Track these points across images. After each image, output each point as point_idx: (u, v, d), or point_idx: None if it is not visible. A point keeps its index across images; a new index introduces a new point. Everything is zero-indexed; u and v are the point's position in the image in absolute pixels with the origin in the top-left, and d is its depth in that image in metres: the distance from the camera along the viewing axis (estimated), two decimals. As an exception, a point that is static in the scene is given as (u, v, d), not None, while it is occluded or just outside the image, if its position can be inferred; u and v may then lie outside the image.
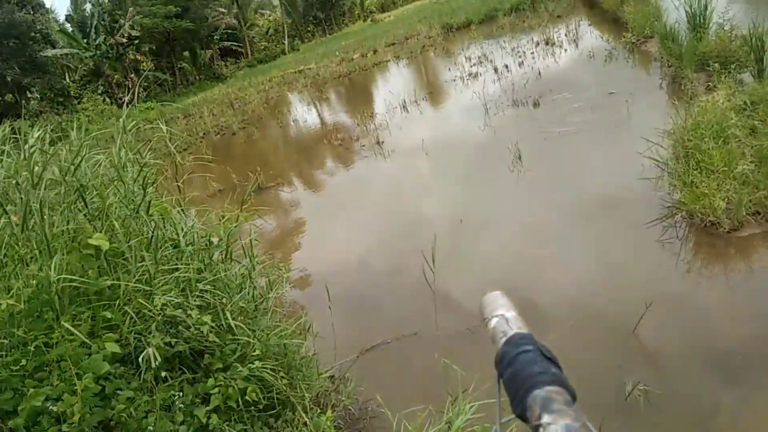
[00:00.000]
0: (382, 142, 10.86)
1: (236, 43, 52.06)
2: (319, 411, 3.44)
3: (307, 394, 3.37)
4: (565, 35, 15.11)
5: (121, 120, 4.47)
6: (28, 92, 38.33)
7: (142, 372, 3.09)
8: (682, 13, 9.35)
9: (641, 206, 5.34)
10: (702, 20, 8.93)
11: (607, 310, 4.24)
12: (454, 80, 14.47)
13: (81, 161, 3.89)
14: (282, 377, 3.29)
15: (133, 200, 4.20)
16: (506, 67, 13.72)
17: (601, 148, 7.22)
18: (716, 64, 7.24)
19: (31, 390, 2.72)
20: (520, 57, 14.38)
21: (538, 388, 0.70)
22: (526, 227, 6.01)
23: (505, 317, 0.89)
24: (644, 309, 3.78)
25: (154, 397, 3.02)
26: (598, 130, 7.74)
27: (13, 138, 4.49)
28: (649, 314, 3.78)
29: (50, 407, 2.69)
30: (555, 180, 6.84)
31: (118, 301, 3.43)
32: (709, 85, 7.36)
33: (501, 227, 6.22)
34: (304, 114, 18.14)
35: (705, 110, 5.46)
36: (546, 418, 0.65)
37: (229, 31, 50.17)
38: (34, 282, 3.27)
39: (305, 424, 3.17)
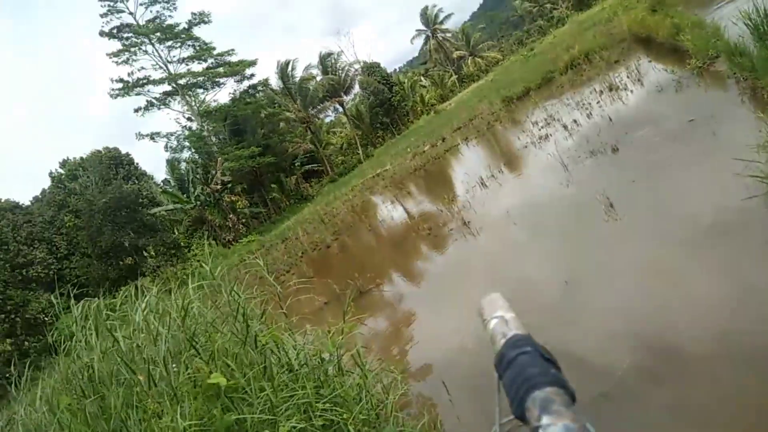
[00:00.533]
0: (469, 222, 10.90)
1: (316, 164, 55.36)
2: None
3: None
4: (627, 77, 14.89)
5: (209, 267, 4.83)
6: (144, 252, 42.11)
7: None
8: (742, 26, 9.02)
9: (757, 225, 4.95)
10: (765, 28, 8.56)
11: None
12: (526, 147, 14.50)
13: (186, 312, 4.22)
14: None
15: (240, 335, 4.44)
16: (575, 122, 13.61)
17: (694, 177, 6.85)
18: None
19: None
20: (586, 109, 14.24)
21: (537, 390, 0.70)
22: (642, 273, 5.67)
23: (504, 319, 0.89)
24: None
25: None
26: (686, 160, 7.39)
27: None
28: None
29: None
30: (656, 219, 6.51)
31: (246, 434, 3.56)
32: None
33: (612, 280, 5.92)
34: (389, 213, 18.67)
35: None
36: (545, 420, 0.65)
37: (308, 155, 53.75)
38: (169, 432, 3.48)
39: None
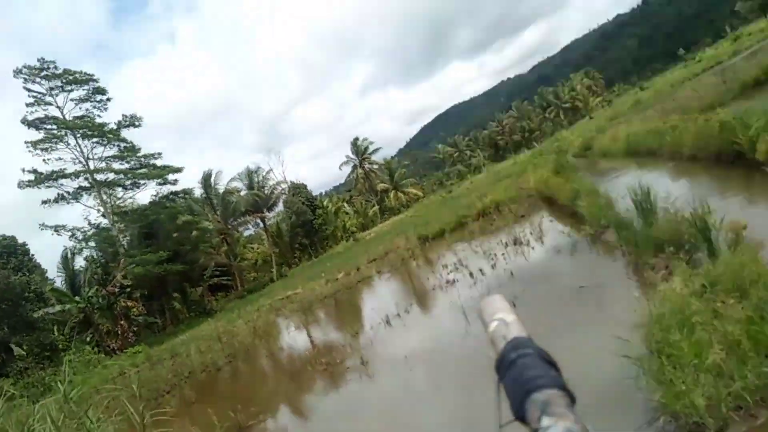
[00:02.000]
0: (367, 362, 10.66)
1: (226, 278, 53.76)
2: None
3: None
4: (531, 233, 15.88)
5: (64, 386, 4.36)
6: (13, 350, 38.18)
7: None
8: (629, 202, 9.93)
9: (628, 410, 5.08)
10: (648, 206, 9.39)
11: None
12: (434, 289, 14.77)
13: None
14: None
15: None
16: (481, 270, 14.12)
17: (579, 348, 7.09)
18: (671, 248, 7.46)
19: None
20: (492, 259, 14.88)
21: (537, 392, 0.70)
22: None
23: (504, 321, 0.93)
24: None
25: None
26: (574, 328, 7.71)
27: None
28: None
29: None
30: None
31: None
32: (669, 269, 7.53)
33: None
34: (291, 340, 18.07)
35: (666, 299, 5.50)
36: (545, 421, 0.66)
37: (221, 268, 52.26)
38: None
39: None
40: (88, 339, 38.48)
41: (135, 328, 41.33)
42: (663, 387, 4.61)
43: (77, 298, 40.00)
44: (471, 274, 14.23)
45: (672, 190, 10.11)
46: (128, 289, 41.36)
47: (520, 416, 0.72)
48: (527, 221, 18.08)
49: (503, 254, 15.06)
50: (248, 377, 15.68)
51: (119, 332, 38.76)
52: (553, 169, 22.82)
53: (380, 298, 17.77)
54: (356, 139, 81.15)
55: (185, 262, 45.60)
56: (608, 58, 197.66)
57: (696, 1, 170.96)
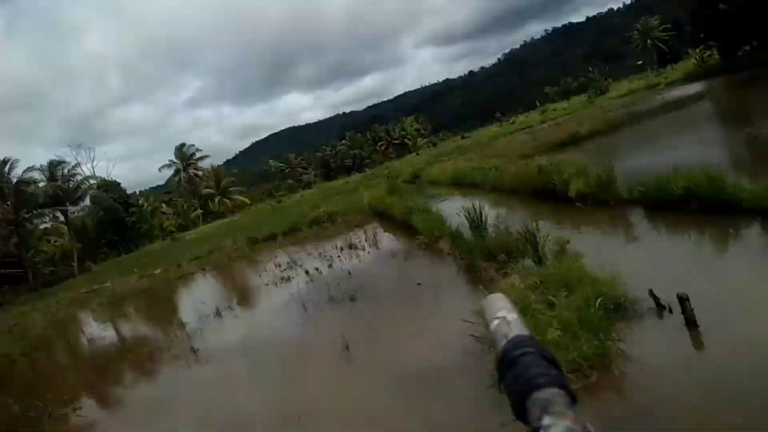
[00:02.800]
0: (197, 350, 10.20)
1: (17, 269, 47.16)
2: None
3: None
4: (365, 240, 16.50)
5: None
6: None
7: None
8: (462, 218, 10.99)
9: (470, 377, 5.66)
10: (480, 222, 10.62)
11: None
12: (267, 285, 14.61)
13: None
14: None
15: None
16: (317, 269, 14.31)
17: (423, 331, 7.65)
18: (503, 255, 8.49)
19: None
20: (328, 260, 15.16)
21: (538, 390, 0.71)
22: (366, 411, 5.90)
23: (506, 320, 0.89)
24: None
25: None
26: (416, 316, 8.26)
27: None
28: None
29: None
30: (386, 363, 6.98)
31: None
32: (500, 272, 8.50)
33: (339, 418, 6.00)
34: (100, 332, 16.41)
35: (506, 291, 6.25)
36: (546, 420, 0.66)
37: (9, 259, 45.81)
38: None
39: None
40: None
41: None
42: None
43: None
44: (307, 272, 14.35)
45: (494, 214, 11.37)
46: None
47: (521, 415, 0.73)
48: (361, 230, 18.72)
49: (339, 256, 15.44)
50: (53, 369, 13.95)
51: None
52: (386, 189, 24.09)
53: (206, 293, 16.97)
54: (182, 144, 76.43)
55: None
56: (436, 110, 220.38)
57: (513, 81, 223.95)
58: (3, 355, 16.00)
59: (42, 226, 59.77)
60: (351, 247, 16.23)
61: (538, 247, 8.06)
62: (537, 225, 8.33)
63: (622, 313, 6.03)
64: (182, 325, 12.82)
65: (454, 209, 12.09)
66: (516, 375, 0.77)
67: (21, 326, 21.26)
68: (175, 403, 8.12)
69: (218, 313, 12.80)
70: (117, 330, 16.22)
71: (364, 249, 15.55)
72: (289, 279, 14.48)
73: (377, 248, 15.26)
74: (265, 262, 19.01)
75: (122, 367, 11.44)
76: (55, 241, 59.44)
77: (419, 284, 9.88)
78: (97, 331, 16.82)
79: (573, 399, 0.70)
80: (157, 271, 26.69)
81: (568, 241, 8.00)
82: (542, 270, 7.12)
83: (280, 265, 16.90)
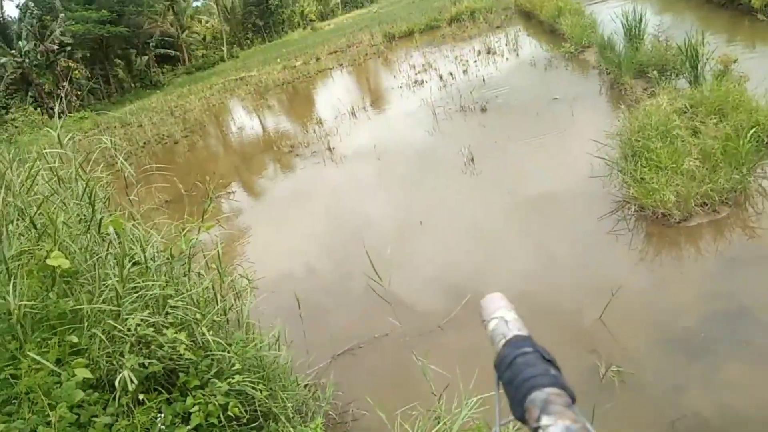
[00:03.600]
0: (333, 148, 10.86)
1: (173, 50, 50.73)
2: (301, 420, 3.43)
3: (289, 404, 3.34)
4: (506, 44, 15.54)
5: (55, 131, 4.26)
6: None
7: (117, 396, 2.99)
8: (618, 25, 9.80)
9: (593, 202, 5.62)
10: (637, 32, 9.40)
11: (570, 299, 4.44)
12: (401, 87, 14.62)
13: (32, 179, 3.73)
14: (262, 389, 3.26)
15: (82, 217, 4.04)
16: (451, 74, 13.97)
17: (550, 150, 7.47)
18: (655, 72, 7.65)
19: (1, 426, 2.59)
20: (463, 65, 14.66)
21: (537, 390, 0.71)
22: (484, 226, 6.17)
23: (504, 319, 0.90)
24: (606, 297, 3.98)
25: (133, 421, 2.93)
26: (546, 134, 8.00)
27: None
28: (611, 301, 3.98)
29: (24, 442, 2.57)
30: (508, 180, 7.05)
31: (84, 325, 3.30)
32: (648, 91, 7.77)
33: (459, 228, 6.33)
34: (248, 121, 17.85)
35: (650, 113, 5.78)
36: (545, 420, 0.66)
37: (166, 38, 48.92)
38: (-7, 309, 3.12)
39: (290, 434, 3.15)
40: (28, 99, 36.43)
41: (78, 92, 39.18)
42: (636, 185, 5.08)
43: (12, 51, 36.98)
44: (441, 77, 14.09)
45: (656, 22, 9.97)
46: (68, 48, 38.37)
47: (520, 415, 0.71)
48: (502, 32, 17.52)
49: (475, 61, 14.83)
50: (208, 153, 15.69)
51: (62, 95, 36.78)
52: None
53: (342, 90, 17.44)
54: None
55: (128, 26, 42.31)
56: None
57: None
58: (167, 135, 18.09)
59: (194, 4, 61.81)
60: (489, 51, 15.43)
61: (697, 65, 7.14)
62: (703, 38, 7.27)
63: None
64: (320, 122, 13.48)
65: (610, 14, 10.73)
66: (514, 375, 0.77)
67: (181, 108, 23.54)
68: (312, 198, 8.92)
69: (353, 113, 13.25)
70: (262, 121, 17.45)
71: (502, 55, 14.74)
72: (422, 83, 14.35)
73: (517, 55, 14.38)
74: (400, 61, 18.77)
75: (267, 157, 12.55)
76: (206, 22, 62.01)
77: (556, 99, 9.40)
78: (245, 120, 18.26)
79: (572, 399, 0.70)
80: (298, 63, 27.49)
81: (735, 60, 6.94)
82: (696, 92, 6.40)
83: (414, 67, 16.67)
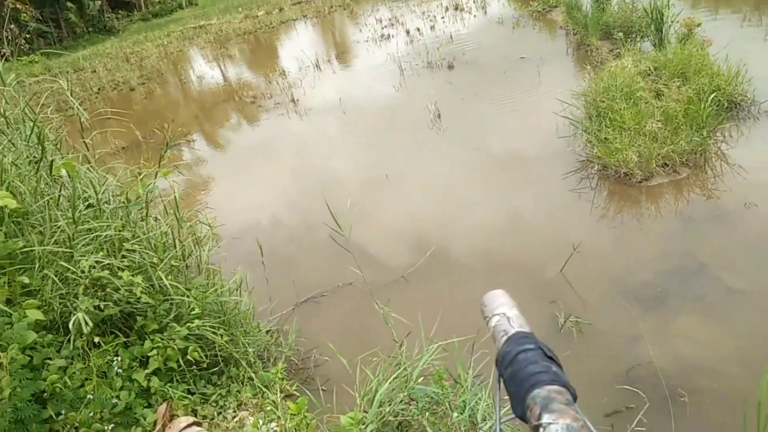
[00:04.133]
0: (297, 101, 10.60)
1: (128, -6, 48.31)
2: (262, 365, 3.41)
3: (250, 349, 3.32)
4: (474, 2, 15.34)
5: None
6: None
7: (72, 339, 2.90)
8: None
9: (558, 160, 5.67)
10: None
11: (533, 254, 4.52)
12: (367, 41, 14.32)
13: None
14: (222, 335, 3.21)
15: (31, 158, 3.87)
16: (418, 30, 13.74)
17: (516, 108, 7.47)
18: (620, 33, 7.69)
19: (-53, 367, 2.49)
20: (431, 21, 14.44)
21: (538, 388, 0.70)
22: (450, 182, 6.17)
23: (506, 316, 0.89)
24: (568, 251, 4.06)
25: (89, 364, 2.86)
26: (513, 92, 7.99)
27: None
28: (573, 256, 4.06)
29: (-26, 383, 2.47)
30: (474, 137, 7.03)
31: (35, 266, 3.18)
32: (613, 52, 7.82)
33: (425, 183, 6.32)
34: (208, 71, 17.20)
35: (615, 74, 5.82)
36: (546, 418, 0.65)
37: (120, -20, 46.52)
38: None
39: (251, 378, 3.13)
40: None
41: (27, 36, 36.93)
42: (600, 144, 5.14)
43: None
44: (408, 32, 13.85)
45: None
46: (14, -12, 36.09)
47: (521, 412, 0.71)
48: (470, -12, 17.24)
49: (443, 18, 14.62)
50: (166, 100, 15.07)
51: (9, 38, 34.55)
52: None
53: (306, 42, 16.94)
54: None
55: (79, -33, 39.99)
56: None
57: None
58: (123, 82, 17.34)
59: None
60: (457, 8, 15.22)
61: (662, 28, 7.21)
62: (668, 0, 7.33)
63: (735, 113, 5.63)
64: (283, 73, 13.11)
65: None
66: (515, 372, 0.76)
67: (137, 55, 22.56)
68: (275, 150, 8.73)
69: (317, 66, 12.93)
70: (222, 70, 16.89)
71: (470, 12, 14.56)
72: (389, 37, 14.07)
73: (485, 13, 14.22)
74: (366, 15, 18.35)
75: (228, 107, 12.17)
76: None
77: (523, 58, 9.37)
78: (204, 69, 17.64)
79: (573, 396, 0.70)
80: (261, 13, 26.56)
81: (699, 25, 7.03)
82: (660, 55, 6.48)
83: (381, 21, 16.31)
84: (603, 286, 3.95)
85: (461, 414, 2.36)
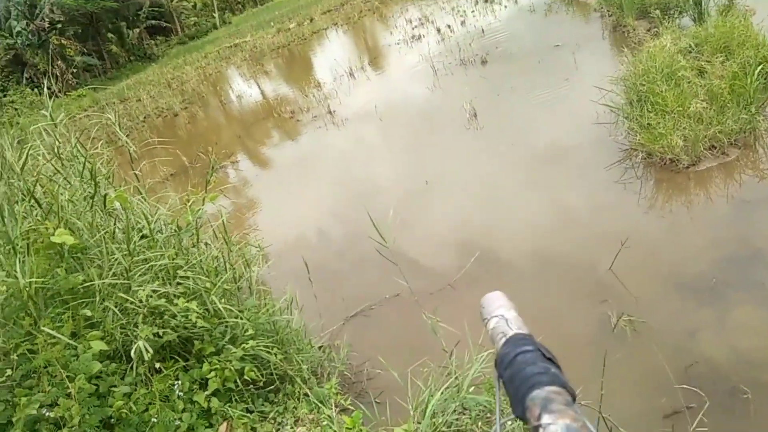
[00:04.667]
0: (334, 112, 10.72)
1: (164, 21, 49.92)
2: (317, 381, 3.47)
3: (304, 366, 3.38)
4: (503, -9, 15.17)
5: (48, 110, 4.23)
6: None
7: (135, 366, 3.03)
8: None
9: (600, 150, 5.53)
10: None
11: (581, 251, 4.41)
12: (398, 44, 14.36)
13: (26, 156, 3.71)
14: (276, 353, 3.29)
15: (86, 194, 4.04)
16: (449, 27, 13.68)
17: (554, 99, 7.33)
18: (657, 11, 7.44)
19: (23, 399, 2.63)
20: (461, 16, 14.36)
21: (537, 389, 0.70)
22: (490, 182, 6.11)
23: (504, 317, 0.89)
24: (616, 247, 3.94)
25: (151, 389, 2.98)
26: (549, 83, 7.85)
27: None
28: (621, 251, 3.95)
29: (46, 414, 2.61)
30: (513, 134, 6.94)
31: (95, 299, 3.33)
32: (651, 31, 7.58)
33: (465, 185, 6.27)
34: (246, 89, 17.62)
35: (654, 55, 5.61)
36: (546, 419, 0.66)
37: (156, 8, 48.10)
38: (4, 288, 3.14)
39: (306, 395, 3.19)
40: (24, 80, 36.01)
41: (74, 71, 38.66)
42: (643, 131, 4.99)
43: (2, 32, 36.49)
44: (438, 30, 13.80)
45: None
46: (59, 26, 37.80)
47: (521, 413, 0.71)
48: (499, -21, 17.04)
49: (473, 11, 14.51)
50: (208, 123, 15.53)
51: (58, 74, 36.21)
52: None
53: (338, 51, 17.12)
54: None
55: (117, -1, 41.57)
56: None
57: None
58: (167, 108, 17.91)
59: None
60: (487, 0, 15.07)
61: (701, 1, 6.96)
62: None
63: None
64: (319, 85, 13.28)
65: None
66: (515, 373, 0.76)
67: (177, 80, 23.28)
68: (315, 164, 8.85)
69: (351, 74, 13.03)
70: (260, 87, 17.23)
71: (500, 3, 14.40)
72: (419, 37, 14.07)
73: (515, 2, 14.04)
74: (396, 16, 18.39)
75: (268, 124, 12.41)
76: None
77: (558, 46, 9.19)
78: (243, 87, 18.04)
79: (572, 397, 0.70)
80: (292, 26, 27.01)
81: (739, -6, 6.78)
82: (700, 30, 6.21)
83: (411, 21, 16.33)
84: (655, 281, 3.82)
85: (514, 422, 2.34)
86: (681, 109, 4.83)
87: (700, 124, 4.72)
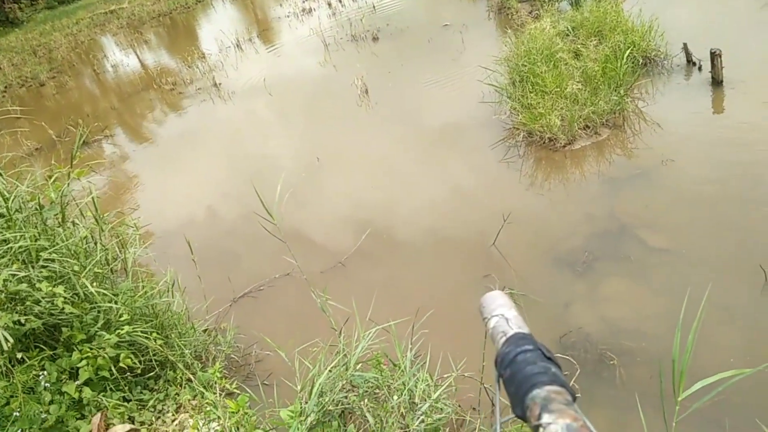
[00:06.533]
0: (220, 84, 10.24)
1: (28, -18, 45.11)
2: (201, 365, 3.32)
3: (186, 351, 3.22)
4: (394, -32, 15.18)
5: None
6: None
7: (-8, 357, 2.74)
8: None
9: (485, 129, 5.72)
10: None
11: (468, 228, 4.56)
12: (288, 16, 13.98)
13: None
14: (156, 338, 3.10)
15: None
16: (340, 1, 13.50)
17: (443, 78, 7.47)
18: (538, -5, 7.80)
19: None
20: (352, -8, 14.21)
21: (537, 388, 0.70)
22: (381, 159, 6.14)
23: (504, 317, 0.88)
24: (500, 223, 4.11)
25: (13, 380, 2.70)
26: (439, 61, 7.99)
27: None
28: (504, 227, 4.12)
29: None
30: (404, 111, 7.01)
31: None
32: (533, 14, 7.92)
33: (356, 163, 6.27)
34: (123, 59, 16.36)
35: (535, 37, 5.89)
36: (546, 418, 0.65)
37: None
38: None
39: (189, 380, 3.04)
40: None
41: None
42: (524, 110, 5.21)
43: None
44: (330, 4, 13.59)
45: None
46: None
47: (521, 413, 0.71)
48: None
49: (364, -12, 14.40)
50: (80, 94, 14.22)
51: None
52: None
53: (225, 22, 16.33)
54: None
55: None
56: None
57: None
58: (32, 77, 16.26)
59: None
60: (377, -23, 15.03)
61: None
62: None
63: (650, 68, 5.82)
64: (203, 56, 12.62)
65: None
66: (514, 373, 0.76)
67: (45, 47, 21.18)
68: (200, 140, 8.42)
69: (239, 46, 12.52)
70: (139, 57, 16.11)
71: (391, -19, 14.40)
72: (310, 11, 13.78)
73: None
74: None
75: (148, 96, 11.62)
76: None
77: (446, 25, 9.37)
78: (119, 57, 16.77)
79: (573, 397, 0.69)
80: (175, -7, 25.40)
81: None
82: (577, 14, 6.63)
83: (301, -6, 15.93)
84: (534, 255, 4.04)
85: (400, 396, 2.37)
86: (559, 89, 5.12)
87: (576, 104, 5.03)
